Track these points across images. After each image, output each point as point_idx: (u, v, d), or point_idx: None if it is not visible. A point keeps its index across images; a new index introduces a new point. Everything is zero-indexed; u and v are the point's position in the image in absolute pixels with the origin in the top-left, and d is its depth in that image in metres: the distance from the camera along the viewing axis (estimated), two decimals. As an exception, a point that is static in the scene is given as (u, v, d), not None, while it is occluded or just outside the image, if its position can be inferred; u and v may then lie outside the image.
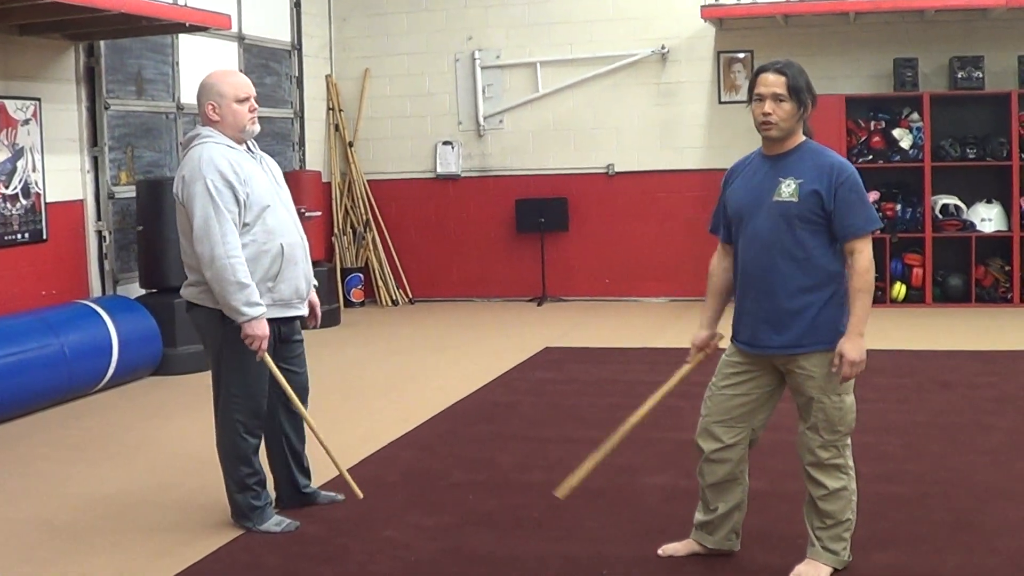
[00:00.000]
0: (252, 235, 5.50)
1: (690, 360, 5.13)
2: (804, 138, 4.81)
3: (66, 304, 9.41)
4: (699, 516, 5.14)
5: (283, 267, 5.61)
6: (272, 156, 6.06)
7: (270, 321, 5.55)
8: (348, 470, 6.48)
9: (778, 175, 4.74)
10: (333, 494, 6.16)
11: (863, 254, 4.66)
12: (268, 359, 5.63)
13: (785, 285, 4.70)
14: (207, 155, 5.47)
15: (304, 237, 5.83)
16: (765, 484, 6.16)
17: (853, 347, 4.64)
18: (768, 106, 4.71)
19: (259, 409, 5.68)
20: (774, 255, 4.71)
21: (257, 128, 5.73)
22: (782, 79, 4.70)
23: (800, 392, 4.79)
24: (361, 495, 6.09)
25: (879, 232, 12.52)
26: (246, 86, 5.70)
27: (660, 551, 5.19)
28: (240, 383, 5.61)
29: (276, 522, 5.71)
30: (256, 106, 5.72)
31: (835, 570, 4.84)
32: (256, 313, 5.42)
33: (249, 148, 5.72)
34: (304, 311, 5.87)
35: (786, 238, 4.69)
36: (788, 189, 4.68)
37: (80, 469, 7.05)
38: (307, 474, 6.10)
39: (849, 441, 4.83)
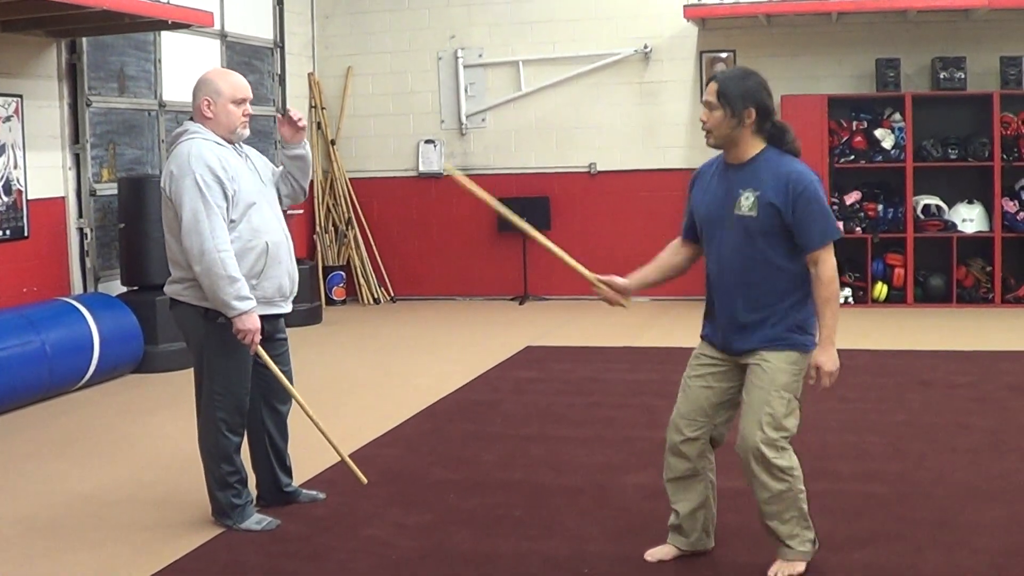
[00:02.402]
0: (237, 232, 5.50)
1: (595, 285, 5.13)
2: (763, 146, 4.76)
3: (47, 301, 9.39)
4: (671, 519, 5.15)
5: (267, 265, 5.61)
6: (254, 154, 6.04)
7: None
8: (328, 469, 6.50)
9: (738, 187, 4.74)
10: (314, 493, 6.15)
11: (826, 264, 4.65)
12: (262, 352, 5.64)
13: (750, 296, 4.73)
14: (196, 150, 5.46)
15: (288, 236, 5.83)
16: (742, 482, 6.18)
17: (829, 358, 4.64)
18: (703, 113, 4.75)
19: (241, 407, 5.68)
20: (739, 268, 4.73)
21: (247, 132, 5.73)
22: (714, 86, 4.71)
23: (751, 385, 4.78)
24: (365, 480, 6.07)
25: (861, 232, 12.57)
26: (244, 88, 5.70)
27: (647, 556, 5.18)
28: (222, 381, 5.61)
29: (256, 520, 5.71)
30: (250, 110, 5.73)
31: (806, 563, 4.86)
32: (246, 307, 5.41)
33: (236, 146, 5.71)
34: (288, 309, 5.86)
35: (749, 252, 4.70)
36: (747, 203, 4.68)
37: (60, 466, 7.03)
38: (289, 473, 6.09)
39: (790, 442, 4.79)
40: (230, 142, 5.66)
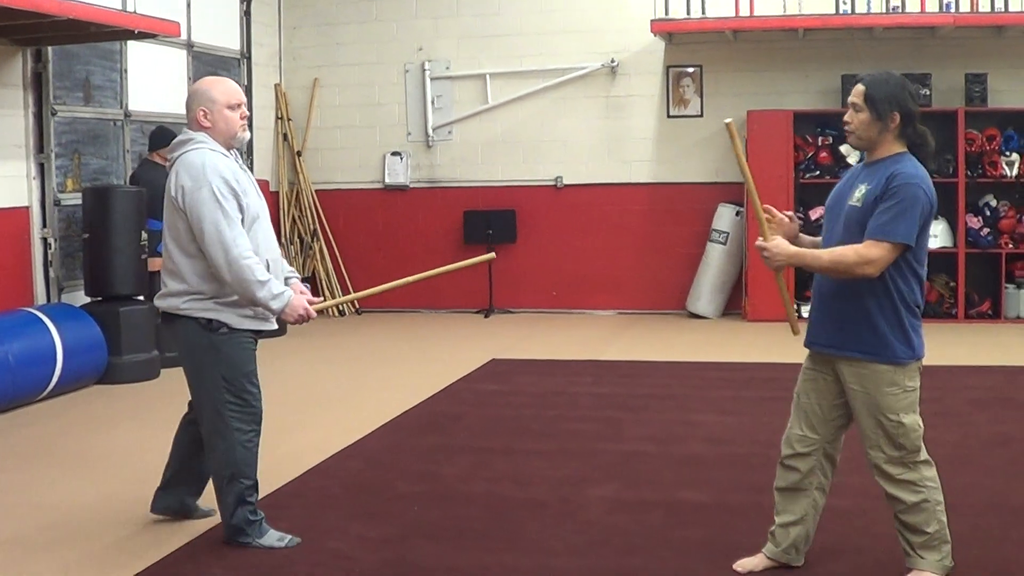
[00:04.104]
0: None
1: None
2: (902, 151, 4.77)
3: (10, 311, 9.31)
4: (772, 526, 5.15)
5: None
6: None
7: (251, 332, 5.59)
8: (294, 480, 6.47)
9: (859, 181, 4.81)
10: (207, 509, 6.05)
11: (873, 250, 4.59)
12: (324, 305, 5.87)
13: (840, 284, 4.76)
14: (210, 162, 5.41)
15: (279, 252, 5.85)
16: (708, 496, 6.20)
17: (781, 247, 4.81)
18: (848, 114, 4.80)
19: (255, 413, 5.58)
20: None
21: (248, 135, 5.72)
22: (861, 88, 4.75)
23: (857, 410, 4.83)
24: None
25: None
26: (237, 92, 5.66)
27: (736, 566, 5.13)
28: (233, 388, 5.49)
29: (278, 537, 5.60)
30: (247, 112, 5.72)
31: None
32: (284, 301, 5.43)
33: (236, 158, 5.68)
34: (275, 325, 5.81)
35: (850, 242, 4.72)
36: (858, 194, 4.75)
37: (22, 478, 6.98)
38: (199, 493, 6.05)
39: (921, 456, 4.83)
40: (231, 148, 5.62)
